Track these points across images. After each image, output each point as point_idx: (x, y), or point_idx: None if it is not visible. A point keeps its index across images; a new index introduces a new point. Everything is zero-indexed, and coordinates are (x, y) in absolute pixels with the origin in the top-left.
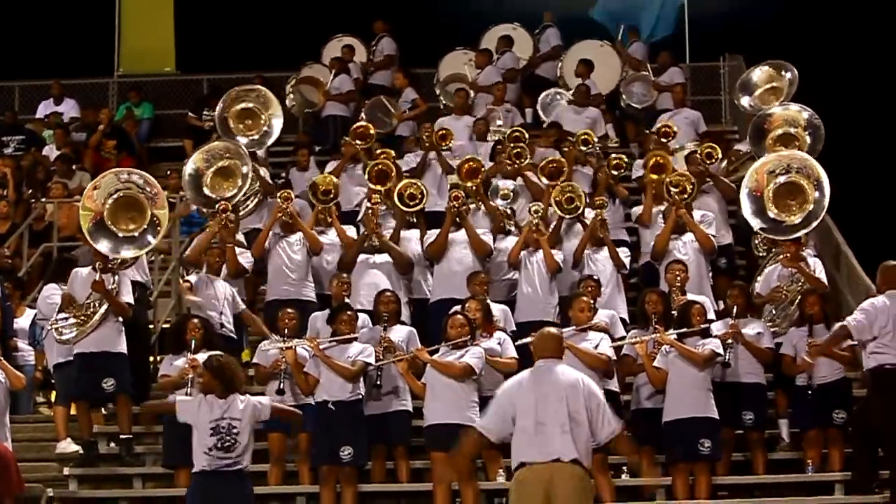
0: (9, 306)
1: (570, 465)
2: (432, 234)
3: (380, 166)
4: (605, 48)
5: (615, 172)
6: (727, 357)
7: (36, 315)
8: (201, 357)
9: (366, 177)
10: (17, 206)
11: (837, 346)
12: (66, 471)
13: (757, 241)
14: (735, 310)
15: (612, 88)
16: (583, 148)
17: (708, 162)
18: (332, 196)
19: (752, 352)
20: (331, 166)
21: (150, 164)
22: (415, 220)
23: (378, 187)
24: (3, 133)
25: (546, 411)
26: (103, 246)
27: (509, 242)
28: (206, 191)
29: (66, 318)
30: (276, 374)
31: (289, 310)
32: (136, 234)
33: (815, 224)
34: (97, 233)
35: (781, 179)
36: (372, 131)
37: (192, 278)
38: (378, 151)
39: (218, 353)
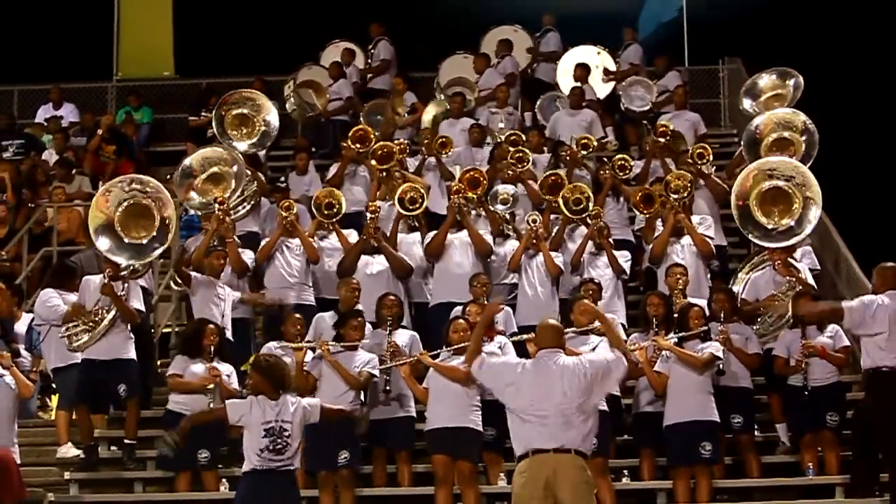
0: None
1: (573, 456)
2: (432, 233)
3: (385, 149)
4: (600, 54)
5: (620, 173)
6: (720, 365)
7: (33, 320)
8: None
9: (372, 161)
10: (16, 210)
11: (826, 316)
12: (66, 475)
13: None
14: (723, 314)
15: (609, 92)
16: (583, 152)
17: (700, 162)
18: (335, 210)
19: (739, 357)
20: (333, 169)
21: (150, 169)
22: (417, 224)
23: (381, 167)
24: (2, 137)
25: (548, 404)
26: (104, 244)
27: (509, 248)
28: (194, 194)
29: (76, 325)
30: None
31: (296, 315)
32: (144, 241)
33: (802, 236)
34: (103, 234)
35: (776, 184)
36: (371, 135)
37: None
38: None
39: (267, 353)
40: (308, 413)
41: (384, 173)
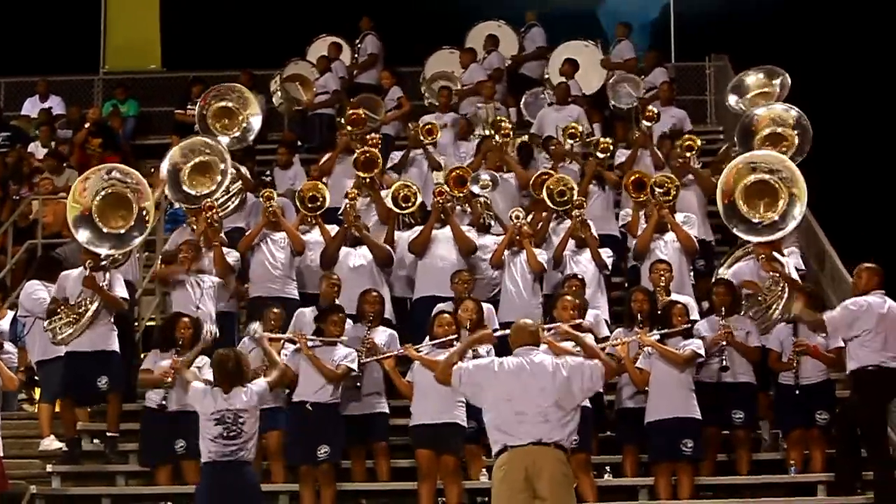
0: None
1: (553, 449)
2: (416, 230)
3: (368, 154)
4: (590, 48)
5: (601, 156)
6: (724, 361)
7: (17, 312)
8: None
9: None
10: (1, 202)
11: (815, 331)
12: (49, 468)
13: None
14: (723, 309)
15: (598, 88)
16: (570, 141)
17: (688, 154)
18: (319, 203)
19: (741, 351)
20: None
21: (136, 162)
22: (414, 221)
23: (364, 174)
24: None
25: (526, 401)
26: (83, 236)
27: (489, 241)
28: (185, 187)
29: (60, 318)
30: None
31: (275, 309)
32: (123, 230)
33: (788, 230)
34: (81, 225)
35: (762, 177)
36: (364, 116)
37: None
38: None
39: (223, 348)
40: (263, 394)
41: (367, 180)
